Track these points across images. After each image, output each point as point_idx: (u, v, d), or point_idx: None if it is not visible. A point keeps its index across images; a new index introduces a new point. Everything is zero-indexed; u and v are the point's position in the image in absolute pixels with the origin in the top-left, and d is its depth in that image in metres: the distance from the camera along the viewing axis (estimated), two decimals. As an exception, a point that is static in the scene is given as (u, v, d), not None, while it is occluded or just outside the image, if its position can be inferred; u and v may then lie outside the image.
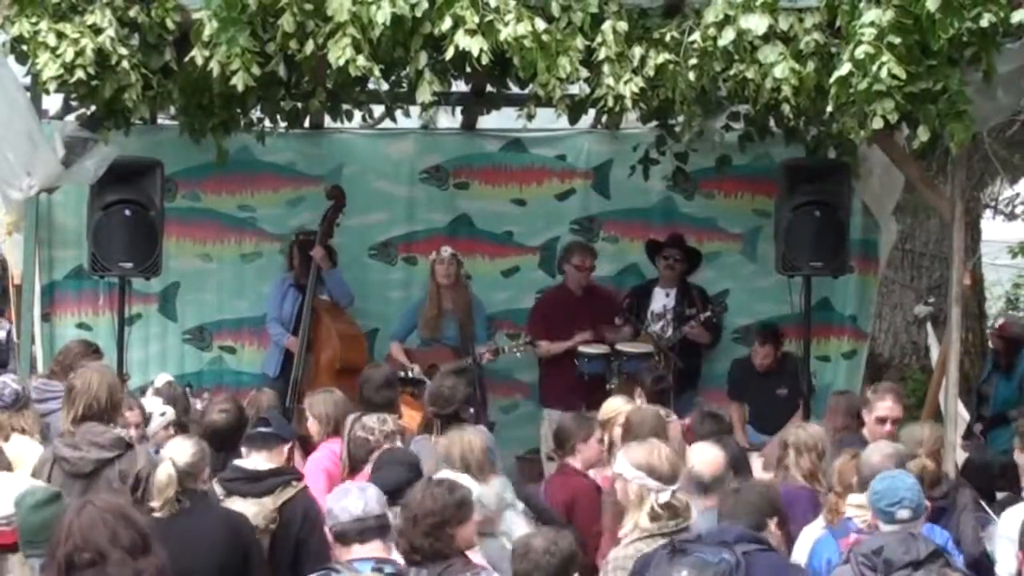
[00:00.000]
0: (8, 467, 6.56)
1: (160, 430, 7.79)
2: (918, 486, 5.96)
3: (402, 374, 9.76)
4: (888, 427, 7.82)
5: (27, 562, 5.31)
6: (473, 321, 10.47)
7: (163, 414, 7.94)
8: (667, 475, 5.86)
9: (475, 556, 5.70)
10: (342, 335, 10.45)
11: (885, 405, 7.87)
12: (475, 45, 7.98)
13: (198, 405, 8.01)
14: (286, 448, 6.77)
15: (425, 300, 10.56)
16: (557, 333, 10.55)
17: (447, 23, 8.02)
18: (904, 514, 5.80)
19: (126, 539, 4.69)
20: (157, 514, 6.00)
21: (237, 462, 6.70)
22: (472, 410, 8.25)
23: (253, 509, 6.37)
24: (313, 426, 7.70)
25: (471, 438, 6.97)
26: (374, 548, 5.32)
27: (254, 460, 6.65)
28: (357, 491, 5.46)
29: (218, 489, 6.57)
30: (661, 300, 10.78)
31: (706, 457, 6.47)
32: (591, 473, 7.52)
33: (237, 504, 6.44)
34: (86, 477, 6.62)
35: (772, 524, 5.64)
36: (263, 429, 6.75)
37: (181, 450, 6.34)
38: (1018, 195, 14.86)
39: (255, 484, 6.50)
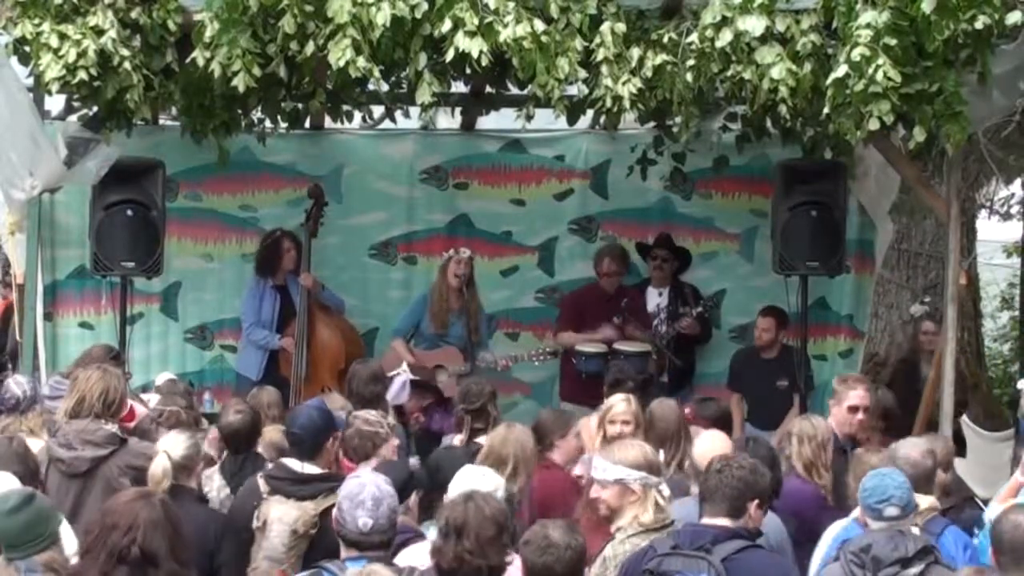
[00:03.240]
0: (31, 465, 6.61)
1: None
2: (908, 484, 5.98)
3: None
4: (860, 416, 7.96)
5: (10, 566, 5.18)
6: (479, 326, 10.52)
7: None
8: (660, 468, 6.03)
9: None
10: (344, 335, 10.49)
11: (857, 394, 7.99)
12: (475, 46, 8.01)
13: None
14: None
15: (430, 295, 10.58)
16: (585, 327, 10.60)
17: (447, 25, 8.06)
18: (892, 511, 5.82)
19: (182, 552, 4.73)
20: None
21: (284, 461, 6.62)
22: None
23: (295, 513, 6.32)
24: None
25: (523, 439, 7.09)
26: (374, 553, 5.32)
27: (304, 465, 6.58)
28: (371, 503, 5.30)
29: (262, 486, 6.49)
30: (654, 300, 10.86)
31: (709, 448, 6.52)
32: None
33: (280, 505, 6.37)
34: (83, 476, 6.65)
35: (752, 507, 5.59)
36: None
37: (176, 443, 6.36)
38: (1013, 195, 14.90)
39: (300, 487, 6.42)
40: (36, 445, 7.23)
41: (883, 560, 5.44)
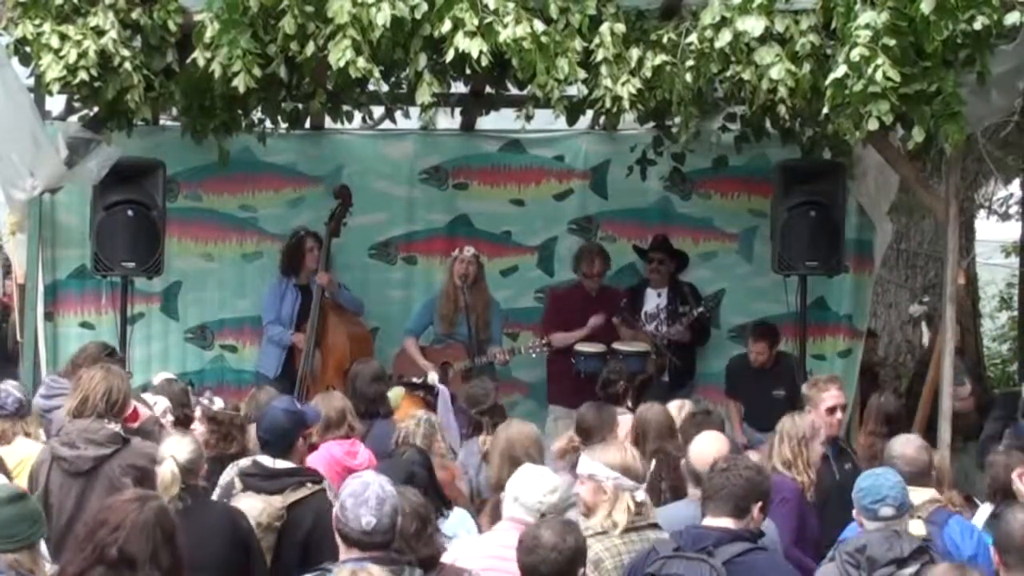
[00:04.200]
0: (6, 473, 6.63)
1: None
2: (902, 484, 5.99)
3: (416, 380, 9.81)
4: (839, 415, 7.95)
5: None
6: (489, 322, 10.54)
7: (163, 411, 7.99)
8: (640, 475, 6.02)
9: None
10: (352, 336, 10.52)
11: (832, 395, 7.96)
12: (475, 47, 8.04)
13: (204, 402, 8.05)
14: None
15: (439, 296, 10.62)
16: (570, 328, 10.64)
17: (447, 25, 8.08)
18: (887, 511, 5.83)
19: (165, 559, 4.70)
20: None
21: (258, 457, 6.69)
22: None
23: (260, 506, 6.37)
24: (318, 426, 7.54)
25: (523, 429, 7.16)
26: (374, 554, 5.28)
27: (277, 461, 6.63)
28: (375, 502, 5.25)
29: (236, 483, 6.59)
30: (654, 301, 10.87)
31: (706, 449, 6.54)
32: None
33: (247, 499, 6.44)
34: (85, 475, 6.62)
35: (755, 509, 5.58)
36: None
37: (180, 447, 6.37)
38: (1012, 195, 14.90)
39: (269, 482, 6.48)
40: (33, 445, 7.27)
41: (878, 560, 5.44)
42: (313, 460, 7.29)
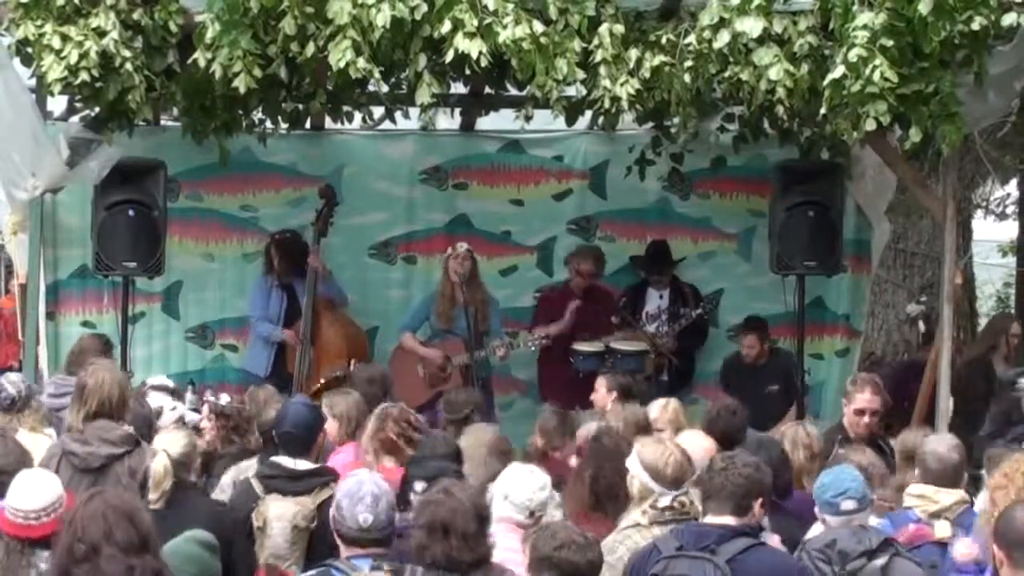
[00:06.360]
0: (28, 463, 6.64)
1: (170, 425, 7.85)
2: (862, 479, 5.97)
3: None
4: (867, 419, 7.91)
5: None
6: (487, 316, 10.57)
7: (173, 408, 8.02)
8: (670, 480, 5.96)
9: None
10: (347, 334, 10.54)
11: (864, 397, 7.96)
12: (474, 48, 8.06)
13: (211, 399, 8.11)
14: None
15: (435, 295, 10.65)
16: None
17: (446, 26, 8.10)
18: (849, 505, 5.80)
19: (121, 536, 4.74)
20: (154, 506, 6.04)
21: (276, 459, 6.68)
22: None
23: (294, 508, 6.38)
24: (332, 426, 7.55)
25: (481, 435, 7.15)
26: (374, 550, 5.35)
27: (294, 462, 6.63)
28: (371, 499, 5.32)
29: (256, 486, 6.56)
30: (655, 301, 10.89)
31: (692, 446, 6.47)
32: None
33: (277, 502, 6.43)
34: (95, 472, 6.62)
35: (756, 505, 5.59)
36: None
37: (173, 441, 6.39)
38: (1009, 195, 14.96)
39: (295, 483, 6.48)
40: (39, 441, 7.28)
41: (849, 553, 5.49)
42: (338, 463, 7.24)
